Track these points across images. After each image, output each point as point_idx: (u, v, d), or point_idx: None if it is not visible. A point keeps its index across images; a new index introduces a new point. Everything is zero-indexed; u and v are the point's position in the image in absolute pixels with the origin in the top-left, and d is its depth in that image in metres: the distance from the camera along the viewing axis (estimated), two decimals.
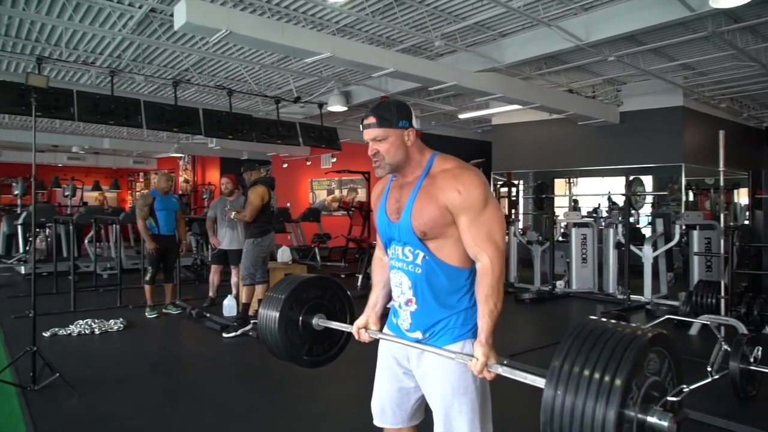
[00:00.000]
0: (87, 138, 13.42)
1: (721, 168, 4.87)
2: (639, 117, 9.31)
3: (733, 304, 4.99)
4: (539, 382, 1.33)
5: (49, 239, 8.93)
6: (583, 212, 10.57)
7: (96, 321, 5.26)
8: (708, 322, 4.07)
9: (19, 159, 15.27)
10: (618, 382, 1.14)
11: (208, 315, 5.70)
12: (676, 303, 6.27)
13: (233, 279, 6.04)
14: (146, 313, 5.78)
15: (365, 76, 8.34)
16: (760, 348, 3.32)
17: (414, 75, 6.68)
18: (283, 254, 5.69)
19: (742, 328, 4.46)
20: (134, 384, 3.80)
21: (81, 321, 5.22)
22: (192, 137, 11.87)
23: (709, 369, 3.41)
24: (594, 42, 6.23)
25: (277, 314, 1.89)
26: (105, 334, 5.10)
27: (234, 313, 5.62)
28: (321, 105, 9.22)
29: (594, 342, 1.22)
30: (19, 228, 8.90)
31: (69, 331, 5.03)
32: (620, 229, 6.95)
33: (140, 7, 5.65)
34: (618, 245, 7.01)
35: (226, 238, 5.96)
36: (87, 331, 5.07)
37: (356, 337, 1.88)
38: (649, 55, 7.33)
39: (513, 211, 10.10)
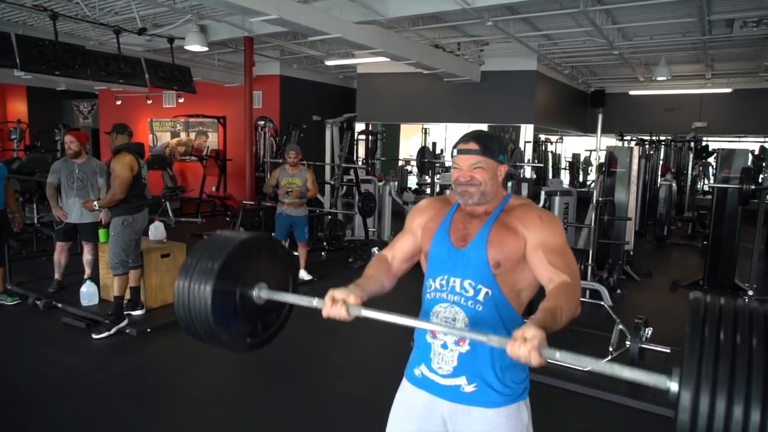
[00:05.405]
0: None
1: (598, 148, 5.28)
2: (498, 77, 9.77)
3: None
4: (660, 381, 1.07)
5: None
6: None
7: None
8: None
9: None
10: None
11: (60, 306, 4.72)
12: None
13: (86, 257, 5.07)
14: None
15: (227, 13, 7.36)
16: (651, 329, 3.76)
17: (297, 24, 6.07)
18: (156, 231, 4.86)
19: (605, 292, 5.06)
20: None
21: None
22: None
23: (610, 349, 3.81)
24: (480, 6, 6.27)
25: (209, 296, 1.35)
26: None
27: (95, 301, 4.76)
28: (171, 40, 7.93)
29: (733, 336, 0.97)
30: None
31: None
32: None
33: None
34: None
35: (75, 210, 4.89)
36: None
37: (326, 310, 1.37)
38: (518, 22, 7.62)
39: (371, 160, 10.15)
